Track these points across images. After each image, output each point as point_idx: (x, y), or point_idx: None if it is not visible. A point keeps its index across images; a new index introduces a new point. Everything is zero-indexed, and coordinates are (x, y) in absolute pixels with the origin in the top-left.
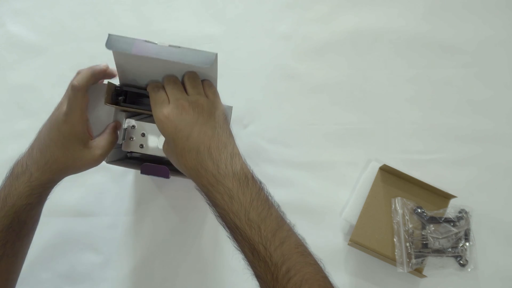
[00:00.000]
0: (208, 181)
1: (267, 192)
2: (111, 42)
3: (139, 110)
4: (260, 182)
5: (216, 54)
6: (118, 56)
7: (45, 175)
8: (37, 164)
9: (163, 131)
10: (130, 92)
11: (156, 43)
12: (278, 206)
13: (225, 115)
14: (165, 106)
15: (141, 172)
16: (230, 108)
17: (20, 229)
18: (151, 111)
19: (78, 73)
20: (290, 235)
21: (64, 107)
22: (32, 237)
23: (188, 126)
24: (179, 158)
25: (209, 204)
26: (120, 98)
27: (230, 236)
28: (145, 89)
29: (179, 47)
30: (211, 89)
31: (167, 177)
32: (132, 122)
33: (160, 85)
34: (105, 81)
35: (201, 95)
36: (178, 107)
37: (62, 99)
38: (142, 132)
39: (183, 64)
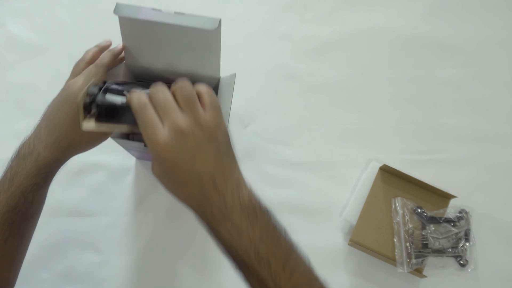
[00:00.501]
0: (213, 216)
1: (274, 219)
2: (119, 8)
3: (123, 128)
4: (268, 210)
5: (220, 20)
6: (124, 23)
7: (53, 153)
8: (45, 143)
9: (160, 161)
10: (106, 106)
11: (161, 10)
12: (285, 231)
13: (227, 133)
14: (159, 131)
15: (145, 145)
16: (233, 76)
17: (26, 209)
18: (136, 126)
19: (87, 52)
20: (299, 263)
21: (80, 83)
22: (37, 220)
23: (189, 155)
24: (179, 190)
25: (211, 236)
26: (93, 112)
27: (234, 267)
28: (131, 83)
29: (184, 13)
30: (210, 99)
31: None
32: None
33: (145, 100)
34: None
35: (199, 111)
36: (176, 132)
37: (71, 80)
38: None
39: (189, 28)
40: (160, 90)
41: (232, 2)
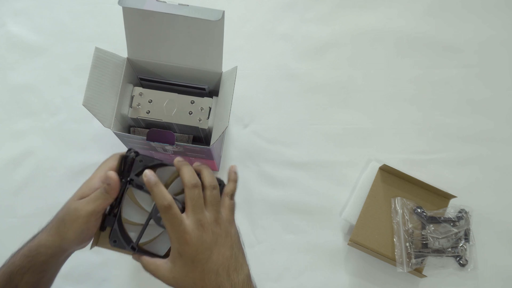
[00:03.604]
0: None
1: None
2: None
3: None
4: None
5: (224, 11)
6: (129, 14)
7: (51, 236)
8: (47, 229)
9: (183, 252)
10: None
11: (166, 2)
12: None
13: (238, 231)
14: (185, 223)
15: (147, 139)
16: (235, 69)
17: None
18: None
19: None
20: None
21: (90, 208)
22: None
23: (208, 248)
24: (197, 280)
25: None
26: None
27: None
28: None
29: (188, 5)
30: (229, 201)
31: (173, 143)
32: (139, 89)
33: (170, 201)
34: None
35: (219, 211)
36: (198, 225)
37: (79, 200)
38: (149, 99)
39: (193, 19)
40: (198, 189)
41: (233, 2)
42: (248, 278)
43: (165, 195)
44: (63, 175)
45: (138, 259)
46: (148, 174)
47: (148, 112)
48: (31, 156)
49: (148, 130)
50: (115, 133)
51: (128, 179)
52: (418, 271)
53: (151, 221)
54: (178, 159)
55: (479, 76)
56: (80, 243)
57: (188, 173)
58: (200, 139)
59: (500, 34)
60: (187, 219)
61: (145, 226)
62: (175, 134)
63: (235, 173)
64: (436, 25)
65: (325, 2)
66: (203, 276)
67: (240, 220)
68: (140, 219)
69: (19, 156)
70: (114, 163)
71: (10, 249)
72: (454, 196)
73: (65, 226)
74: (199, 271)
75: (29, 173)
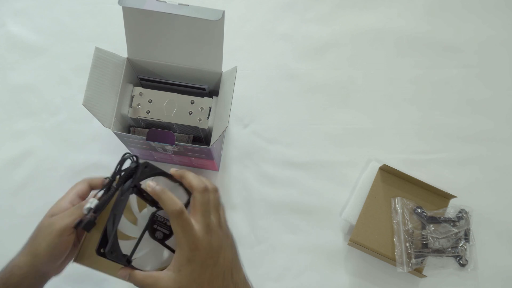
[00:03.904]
0: None
1: None
2: None
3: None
4: None
5: (224, 11)
6: (129, 14)
7: (25, 256)
8: (22, 250)
9: (192, 258)
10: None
11: (166, 1)
12: None
13: (231, 231)
14: (195, 228)
15: (147, 139)
16: (234, 69)
17: None
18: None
19: (73, 188)
20: None
21: (66, 222)
22: None
23: (216, 252)
24: (204, 285)
25: None
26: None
27: None
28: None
29: (188, 5)
30: (221, 202)
31: (173, 143)
32: (139, 89)
33: (182, 207)
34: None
35: (220, 214)
36: (207, 230)
37: (54, 217)
38: (149, 99)
39: (193, 19)
40: (208, 193)
41: (232, 2)
42: (245, 277)
43: (176, 201)
44: (63, 175)
45: (125, 275)
46: (151, 184)
47: (148, 112)
48: (31, 156)
49: (148, 130)
50: (115, 133)
51: (133, 185)
52: (418, 271)
53: (145, 235)
54: (175, 169)
55: (479, 76)
56: (52, 260)
57: (195, 178)
58: (200, 139)
59: (500, 34)
60: (196, 224)
61: (140, 238)
62: (175, 134)
63: (204, 178)
64: (436, 25)
65: (325, 2)
66: (212, 280)
67: (240, 220)
68: (130, 232)
69: (19, 156)
70: (83, 186)
71: (10, 249)
72: (454, 196)
73: (37, 242)
74: (207, 276)
75: (29, 173)
